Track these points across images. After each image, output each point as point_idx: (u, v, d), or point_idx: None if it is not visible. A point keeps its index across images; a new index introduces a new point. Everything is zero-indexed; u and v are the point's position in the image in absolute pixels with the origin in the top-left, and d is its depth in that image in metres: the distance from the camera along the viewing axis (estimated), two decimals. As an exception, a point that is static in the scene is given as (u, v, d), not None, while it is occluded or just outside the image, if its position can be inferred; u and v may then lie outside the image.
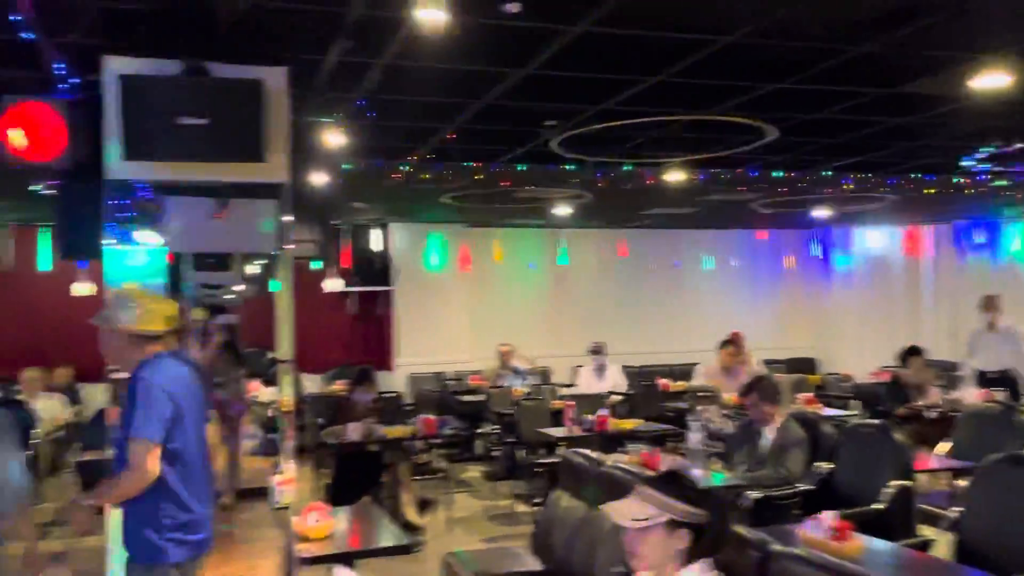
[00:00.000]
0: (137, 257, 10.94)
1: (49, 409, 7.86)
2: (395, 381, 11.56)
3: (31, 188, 7.86)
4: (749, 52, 4.71)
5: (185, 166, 4.29)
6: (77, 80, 4.65)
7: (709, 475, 5.05)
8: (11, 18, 3.94)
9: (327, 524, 4.10)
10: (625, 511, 2.38)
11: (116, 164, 4.20)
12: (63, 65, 4.56)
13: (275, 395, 9.79)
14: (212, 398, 7.84)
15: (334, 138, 5.47)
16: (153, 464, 3.07)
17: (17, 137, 4.19)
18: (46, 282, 10.39)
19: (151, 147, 4.10)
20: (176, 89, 4.09)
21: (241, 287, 12.89)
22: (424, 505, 7.26)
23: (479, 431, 9.52)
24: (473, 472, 9.31)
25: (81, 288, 10.20)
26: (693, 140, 6.91)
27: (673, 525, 2.33)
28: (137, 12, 3.97)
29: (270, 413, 9.79)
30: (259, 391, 9.79)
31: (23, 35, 4.13)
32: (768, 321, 13.32)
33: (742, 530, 3.17)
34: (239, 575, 6.01)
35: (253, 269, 12.26)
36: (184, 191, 6.18)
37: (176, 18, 4.04)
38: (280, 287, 10.38)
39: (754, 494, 4.79)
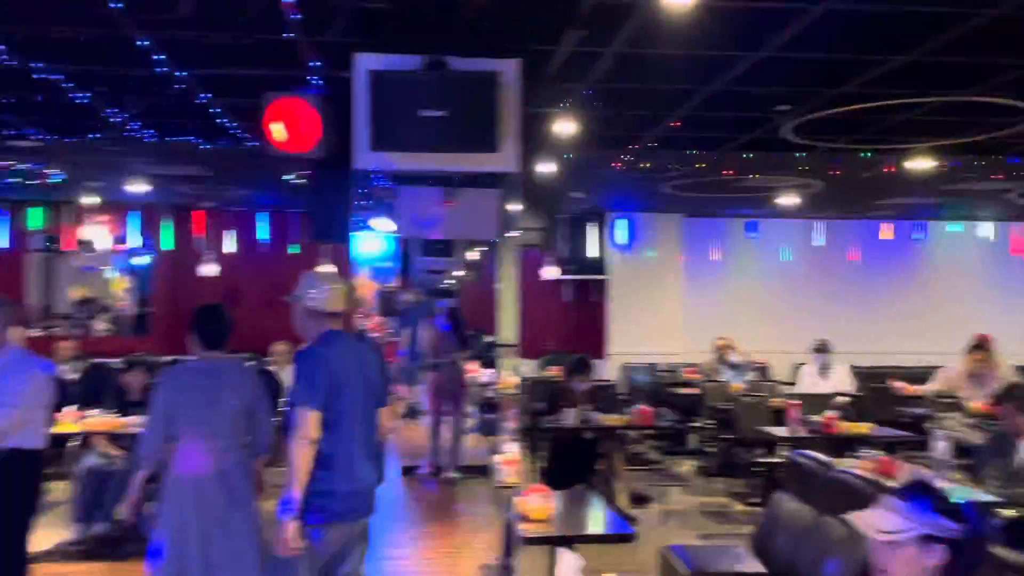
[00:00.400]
0: (373, 242, 11.67)
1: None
2: (607, 370, 11.59)
3: (285, 177, 8.62)
4: (1019, 25, 4.25)
5: (424, 156, 4.49)
6: (330, 77, 5.04)
7: (955, 489, 4.63)
8: (275, 21, 4.32)
9: (548, 506, 4.16)
10: (872, 522, 2.22)
11: (363, 155, 4.47)
12: (318, 63, 4.94)
13: (493, 377, 10.17)
14: (450, 383, 8.26)
15: (561, 128, 5.53)
16: (314, 428, 3.26)
17: (278, 130, 4.59)
18: (295, 263, 11.35)
19: (394, 138, 4.33)
20: (418, 83, 4.30)
21: (461, 272, 13.45)
22: (639, 500, 7.23)
23: (693, 425, 9.34)
24: (685, 466, 9.15)
25: (324, 269, 11.07)
26: (944, 123, 6.34)
27: (927, 540, 2.14)
28: (386, 11, 4.21)
29: (489, 394, 10.18)
30: (478, 373, 10.20)
31: (285, 36, 4.51)
32: (1022, 324, 12.02)
33: (1002, 551, 2.88)
34: (459, 547, 6.32)
35: (473, 255, 12.75)
36: (416, 180, 6.52)
37: (421, 14, 4.24)
38: (503, 273, 10.73)
39: (1009, 513, 4.34)
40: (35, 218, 10.95)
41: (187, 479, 3.84)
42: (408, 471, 8.48)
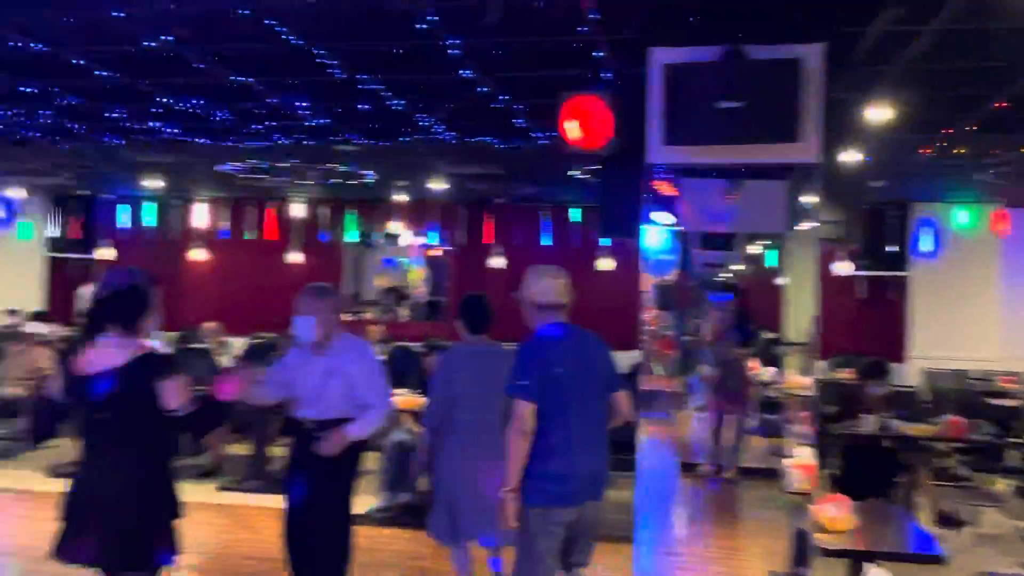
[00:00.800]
0: (655, 236, 11.68)
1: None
2: (906, 375, 10.68)
3: (571, 173, 8.88)
4: None
5: (719, 149, 4.40)
6: (623, 73, 5.10)
7: None
8: (574, 23, 4.45)
9: (848, 517, 3.92)
10: None
11: (656, 149, 4.48)
12: (613, 61, 5.02)
13: (776, 376, 9.75)
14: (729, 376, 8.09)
15: (867, 114, 5.16)
16: (528, 420, 3.46)
17: (573, 129, 4.73)
18: (577, 256, 11.66)
19: (690, 132, 4.28)
20: (715, 74, 4.21)
21: (741, 266, 13.03)
22: (947, 519, 6.58)
23: (1013, 440, 8.32)
24: (1000, 485, 8.19)
25: (603, 264, 11.27)
26: None
27: None
28: (683, 3, 4.18)
29: (770, 394, 9.78)
30: (759, 371, 9.85)
31: (583, 36, 4.63)
32: None
33: None
34: (740, 549, 6.16)
35: (754, 249, 12.31)
36: (699, 173, 6.41)
37: (718, 4, 4.15)
38: (789, 268, 10.24)
39: None
40: (351, 215, 12.24)
41: (458, 445, 4.40)
42: (687, 468, 8.40)
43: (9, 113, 7.04)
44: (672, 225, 10.84)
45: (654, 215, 11.12)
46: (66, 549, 3.34)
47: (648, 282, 15.72)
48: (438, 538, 4.63)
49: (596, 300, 11.23)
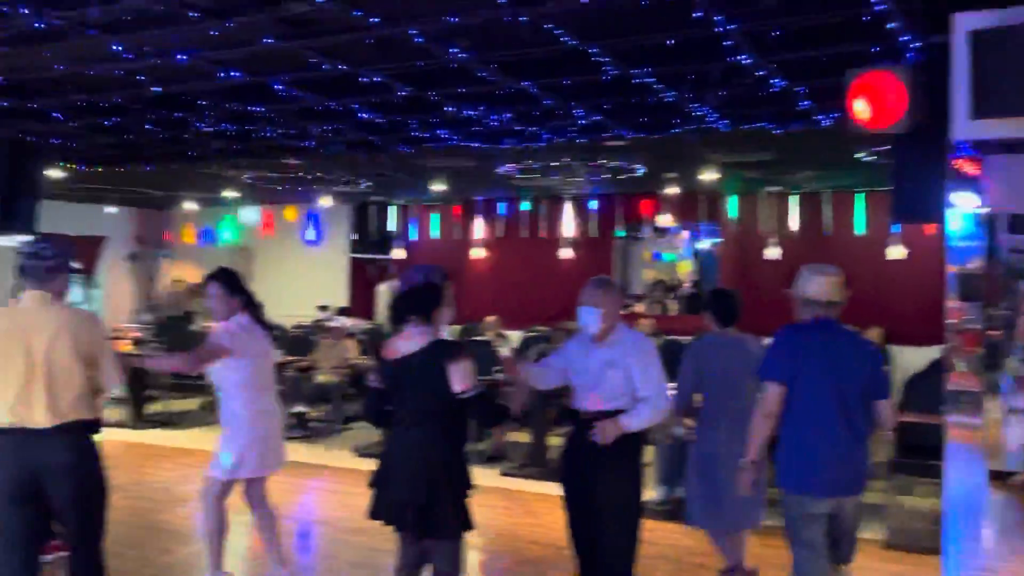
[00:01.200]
0: (956, 220, 10.60)
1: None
2: None
3: (855, 156, 8.30)
4: None
5: (1040, 120, 3.91)
6: (919, 44, 4.68)
7: None
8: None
9: None
10: None
11: (962, 124, 4.09)
12: (907, 32, 4.63)
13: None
14: None
15: None
16: (772, 402, 3.70)
17: (862, 108, 4.42)
18: (860, 245, 10.89)
19: (1002, 103, 3.86)
20: (1032, 36, 3.75)
21: (1061, 252, 11.38)
22: None
23: None
24: None
25: (894, 251, 10.41)
26: None
27: None
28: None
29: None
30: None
31: (876, 8, 4.31)
32: None
33: None
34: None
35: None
36: (1011, 148, 5.72)
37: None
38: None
39: None
40: (618, 208, 12.36)
41: (711, 434, 4.73)
42: (999, 476, 7.52)
43: (319, 129, 7.91)
44: (976, 207, 9.77)
45: (954, 197, 10.11)
46: (379, 513, 3.73)
47: (950, 271, 14.31)
48: (702, 527, 4.96)
49: (889, 291, 10.43)
